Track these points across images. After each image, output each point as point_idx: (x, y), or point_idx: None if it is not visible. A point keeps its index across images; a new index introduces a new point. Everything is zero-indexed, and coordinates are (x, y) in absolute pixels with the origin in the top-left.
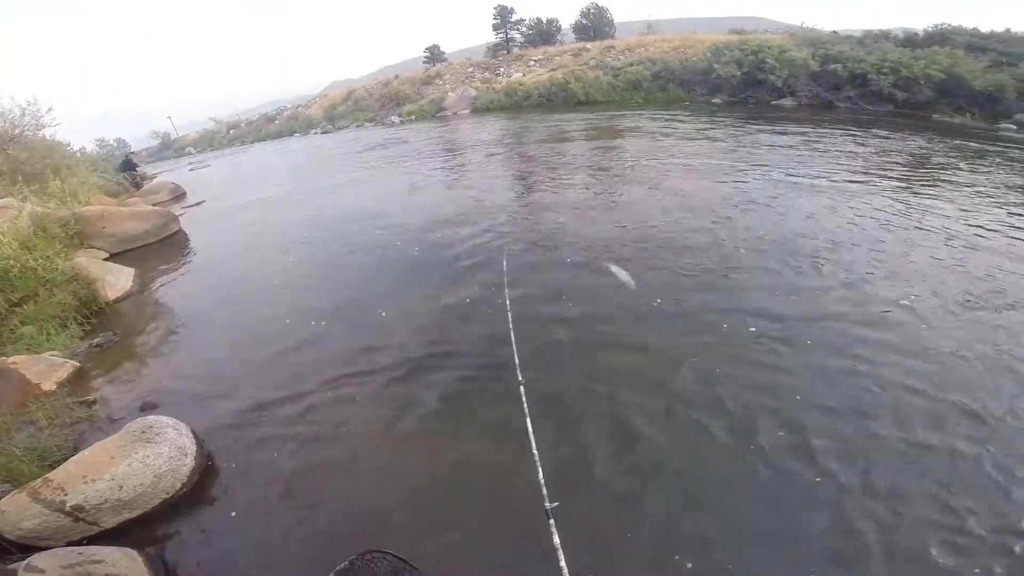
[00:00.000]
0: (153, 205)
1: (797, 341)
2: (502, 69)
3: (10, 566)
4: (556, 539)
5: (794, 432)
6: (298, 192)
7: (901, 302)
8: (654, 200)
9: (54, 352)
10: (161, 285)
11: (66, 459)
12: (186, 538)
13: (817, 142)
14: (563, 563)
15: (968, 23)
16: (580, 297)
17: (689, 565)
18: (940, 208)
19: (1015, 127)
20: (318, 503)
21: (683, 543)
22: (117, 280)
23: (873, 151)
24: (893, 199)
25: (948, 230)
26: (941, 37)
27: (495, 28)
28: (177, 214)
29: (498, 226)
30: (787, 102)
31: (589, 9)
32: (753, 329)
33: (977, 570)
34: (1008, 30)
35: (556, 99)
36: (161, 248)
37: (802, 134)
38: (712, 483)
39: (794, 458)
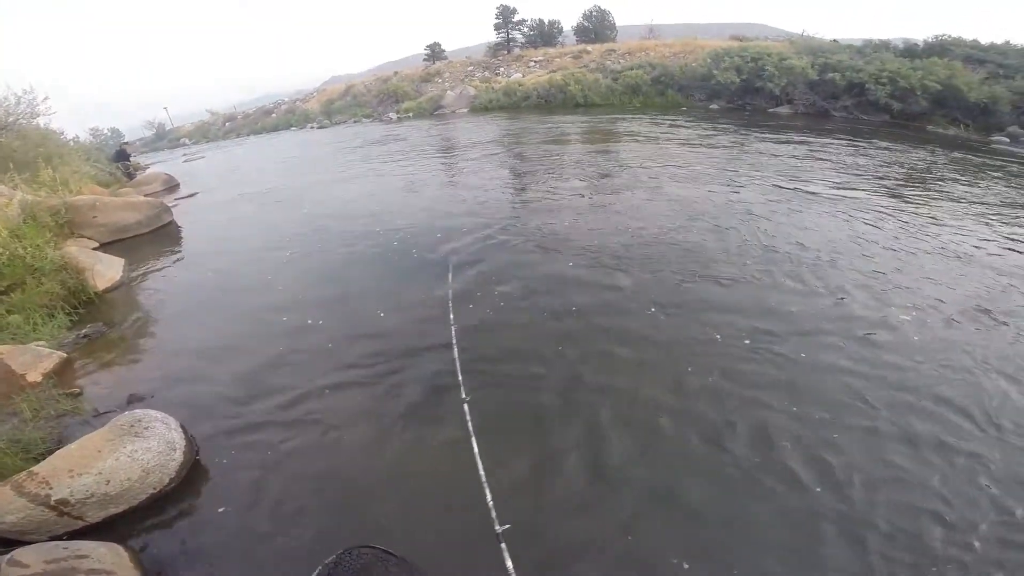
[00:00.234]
0: (146, 196)
1: (790, 354)
2: (502, 69)
3: None
4: (509, 563)
5: (776, 449)
6: (294, 187)
7: (897, 315)
8: (652, 206)
9: (40, 342)
10: (152, 276)
11: (51, 452)
12: (173, 533)
13: (814, 151)
14: None
15: (970, 34)
16: (573, 305)
17: None
18: (936, 221)
19: (1008, 140)
20: (307, 500)
21: (646, 560)
22: (107, 270)
23: (870, 162)
24: (889, 210)
25: (944, 243)
26: (940, 48)
27: (497, 28)
28: (170, 205)
29: (497, 229)
30: (784, 110)
31: (591, 11)
32: (747, 341)
33: None
34: (1008, 42)
35: (555, 101)
36: (153, 239)
37: (800, 143)
38: (683, 501)
39: (772, 477)
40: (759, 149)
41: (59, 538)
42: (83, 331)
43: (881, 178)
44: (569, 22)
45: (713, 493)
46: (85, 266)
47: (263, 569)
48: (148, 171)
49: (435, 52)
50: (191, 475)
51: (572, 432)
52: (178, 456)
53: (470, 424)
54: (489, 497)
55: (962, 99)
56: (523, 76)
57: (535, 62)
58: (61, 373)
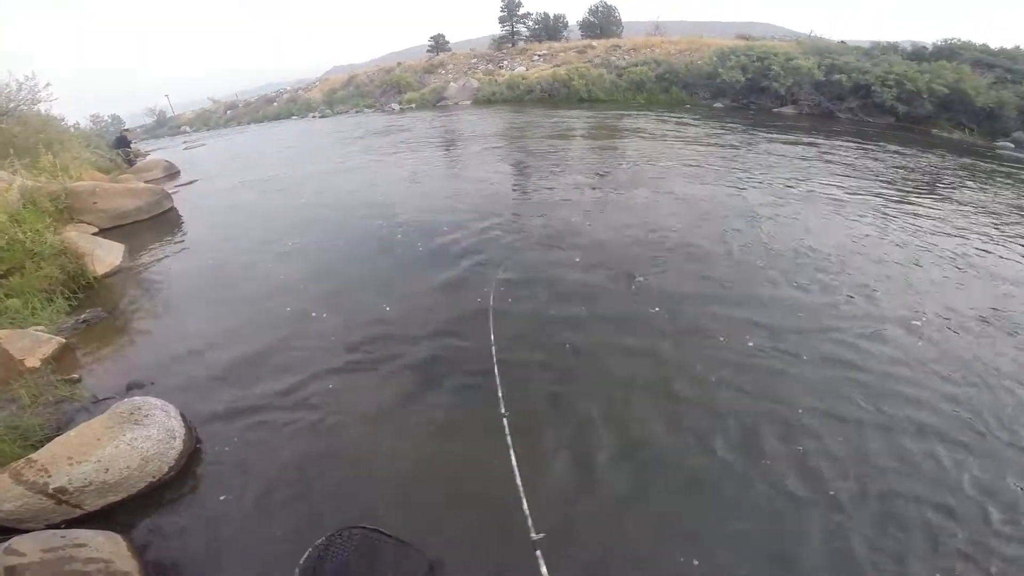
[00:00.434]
0: (146, 182)
1: (794, 355)
2: (506, 62)
3: None
4: (544, 570)
5: (795, 454)
6: (296, 176)
7: (905, 320)
8: (658, 204)
9: (39, 327)
10: (152, 262)
11: (50, 439)
12: (172, 522)
13: (820, 152)
14: None
15: (978, 37)
16: (577, 300)
17: None
18: (943, 226)
19: (1012, 146)
20: (307, 487)
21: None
22: (107, 255)
23: (877, 164)
24: (896, 214)
25: (952, 248)
26: (949, 51)
27: (501, 21)
28: (170, 192)
29: (500, 223)
30: (788, 110)
31: (597, 7)
32: (751, 344)
33: None
34: (1018, 47)
35: (558, 95)
36: (153, 225)
37: (805, 144)
38: (709, 504)
39: (799, 481)
40: (765, 149)
41: (56, 526)
42: (82, 316)
43: (889, 181)
44: (575, 17)
45: (743, 493)
46: (85, 251)
47: (263, 557)
48: (148, 158)
49: (439, 44)
50: (191, 463)
51: (565, 432)
52: (178, 444)
53: (509, 438)
54: (523, 495)
55: (969, 103)
56: (527, 70)
57: (539, 56)
58: (60, 359)
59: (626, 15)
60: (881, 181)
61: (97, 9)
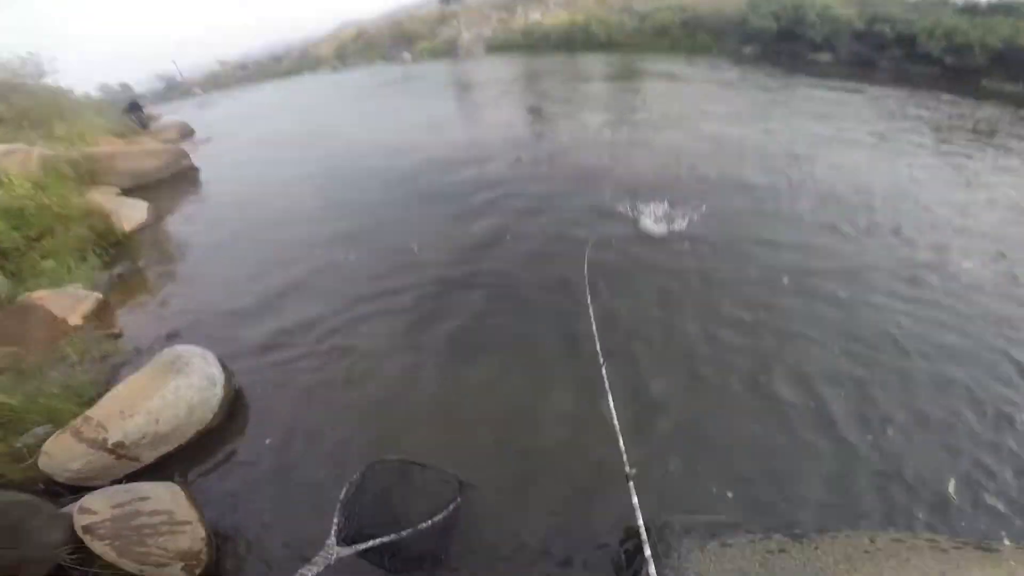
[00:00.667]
0: (162, 143)
1: (837, 293)
2: (520, 9)
3: (63, 510)
4: (635, 499)
5: (831, 399)
6: (312, 128)
7: (954, 261)
8: (690, 145)
9: (76, 285)
10: (177, 216)
11: (100, 395)
12: (223, 468)
13: (862, 97)
14: (640, 520)
15: None
16: (611, 238)
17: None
18: (994, 174)
19: None
20: (346, 428)
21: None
22: (132, 213)
23: (923, 112)
24: (943, 161)
25: (1003, 197)
26: (1006, 8)
27: None
28: (187, 151)
29: (527, 162)
30: (824, 56)
31: None
32: (786, 280)
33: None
34: None
35: (576, 42)
36: (174, 183)
37: (845, 90)
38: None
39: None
40: (802, 93)
41: (119, 481)
42: (116, 271)
43: (937, 129)
44: None
45: (762, 431)
46: (110, 210)
47: (310, 493)
48: (162, 120)
49: None
50: (233, 409)
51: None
52: (219, 391)
53: (607, 383)
54: (622, 443)
55: None
56: (543, 17)
57: (556, 3)
58: (99, 314)
59: None
60: (929, 128)
61: None
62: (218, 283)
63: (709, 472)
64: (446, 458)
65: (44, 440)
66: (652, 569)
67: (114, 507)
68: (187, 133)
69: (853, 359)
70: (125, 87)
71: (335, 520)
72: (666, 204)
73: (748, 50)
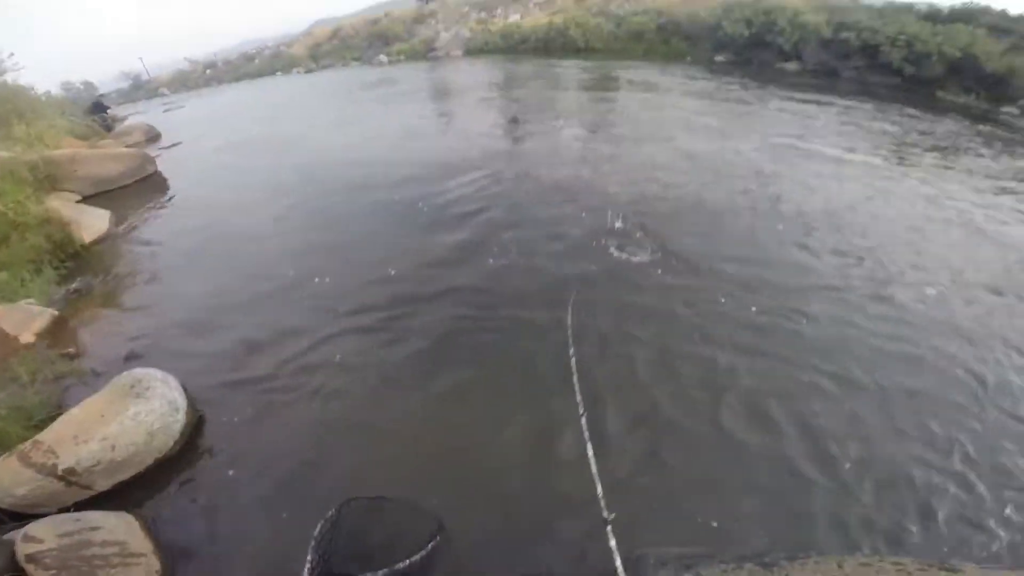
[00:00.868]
0: (127, 147)
1: (799, 318)
2: (500, 10)
3: (5, 536)
4: (612, 542)
5: (798, 417)
6: (284, 134)
7: (913, 286)
8: (661, 159)
9: (30, 300)
10: (140, 227)
11: (53, 418)
12: (182, 498)
13: (825, 111)
14: (619, 563)
15: (999, 4)
16: (581, 257)
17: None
18: (949, 190)
19: (1018, 112)
20: (314, 459)
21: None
22: (93, 222)
23: (882, 125)
24: (903, 176)
25: (959, 214)
26: (967, 15)
27: None
28: (153, 155)
29: (502, 178)
30: (792, 66)
31: None
32: (754, 308)
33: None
34: None
35: (554, 45)
36: (138, 190)
37: (810, 102)
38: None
39: (804, 450)
40: (770, 105)
41: (68, 509)
42: (73, 286)
43: (896, 143)
44: None
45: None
46: (70, 219)
47: (276, 529)
48: (127, 122)
49: None
50: (195, 436)
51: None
52: (181, 417)
53: (586, 434)
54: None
55: (979, 68)
56: (522, 18)
57: (535, 4)
58: (54, 332)
59: None
60: (888, 142)
61: None
62: (182, 301)
63: (689, 505)
64: (421, 493)
65: None
66: None
67: (61, 536)
68: (153, 136)
69: (822, 379)
70: (89, 85)
71: (308, 558)
72: (639, 225)
73: (720, 58)
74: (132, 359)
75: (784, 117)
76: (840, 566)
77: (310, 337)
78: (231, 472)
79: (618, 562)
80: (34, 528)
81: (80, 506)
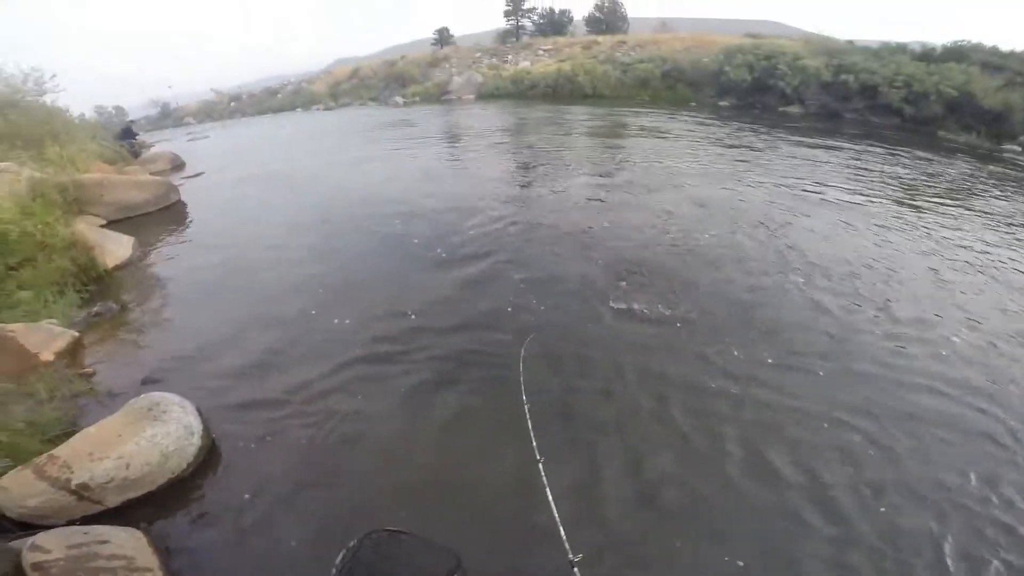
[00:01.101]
0: (152, 174)
1: (812, 370)
2: (510, 56)
3: (12, 544)
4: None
5: (809, 473)
6: (303, 170)
7: (929, 334)
8: (669, 206)
9: (52, 320)
10: (161, 255)
11: (68, 434)
12: (193, 519)
13: (830, 154)
14: None
15: (990, 41)
16: (594, 305)
17: None
18: (959, 234)
19: (1020, 149)
20: (327, 487)
21: None
22: (116, 248)
23: (888, 168)
24: (912, 221)
25: (972, 258)
26: (959, 53)
27: (507, 15)
28: (177, 185)
29: (514, 222)
30: (794, 109)
31: (603, 3)
32: (770, 360)
33: None
34: None
35: (562, 91)
36: (161, 218)
37: (815, 146)
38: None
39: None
40: (776, 150)
41: (75, 522)
42: (94, 309)
43: (903, 186)
44: (580, 12)
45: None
46: (94, 243)
47: (286, 557)
48: (154, 150)
49: (443, 37)
50: (208, 460)
51: (583, 443)
52: (196, 441)
53: (549, 492)
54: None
55: (976, 106)
56: (531, 65)
57: (544, 51)
58: (74, 352)
59: (632, 11)
60: (899, 186)
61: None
62: (200, 329)
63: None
64: (432, 523)
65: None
66: None
67: (69, 547)
68: (177, 165)
69: (840, 430)
70: (120, 111)
71: None
72: (650, 271)
73: (724, 102)
74: (149, 383)
75: (794, 163)
76: None
77: (323, 367)
78: (245, 496)
79: None
80: (42, 538)
81: (88, 520)
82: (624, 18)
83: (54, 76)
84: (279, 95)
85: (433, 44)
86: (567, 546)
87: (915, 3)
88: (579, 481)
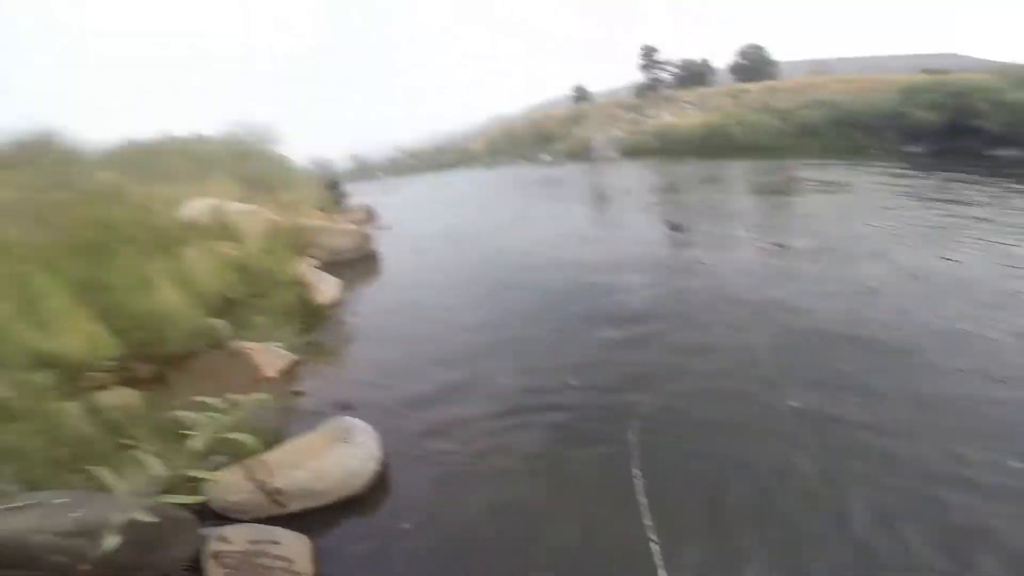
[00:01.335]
0: (353, 224)
1: None
2: (651, 111)
3: (202, 531)
4: None
5: None
6: (469, 224)
7: None
8: (877, 279)
9: (278, 344)
10: (359, 296)
11: (276, 443)
12: (355, 536)
13: None
14: None
15: None
16: (764, 406)
17: None
18: None
19: None
20: (481, 531)
21: None
22: (327, 287)
23: None
24: None
25: None
26: None
27: (642, 68)
28: (371, 234)
29: (674, 288)
30: (1009, 153)
31: (746, 49)
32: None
33: None
34: None
35: (714, 144)
36: (359, 264)
37: None
38: None
39: None
40: (999, 204)
41: (261, 521)
42: (308, 338)
43: None
44: (718, 60)
45: None
46: (312, 282)
47: None
48: (353, 201)
49: (581, 94)
50: (378, 484)
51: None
52: (373, 466)
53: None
54: None
55: None
56: (676, 118)
57: (687, 103)
58: (290, 373)
59: (780, 55)
60: None
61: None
62: (387, 365)
63: None
64: None
65: (215, 469)
66: None
67: (249, 542)
68: (372, 217)
69: None
70: (328, 163)
71: None
72: (843, 366)
73: (917, 149)
74: (344, 407)
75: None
76: None
77: (485, 410)
78: (404, 526)
79: None
80: (230, 531)
81: (268, 520)
82: (772, 63)
83: (286, 129)
84: (445, 154)
85: (573, 102)
86: None
87: None
88: None
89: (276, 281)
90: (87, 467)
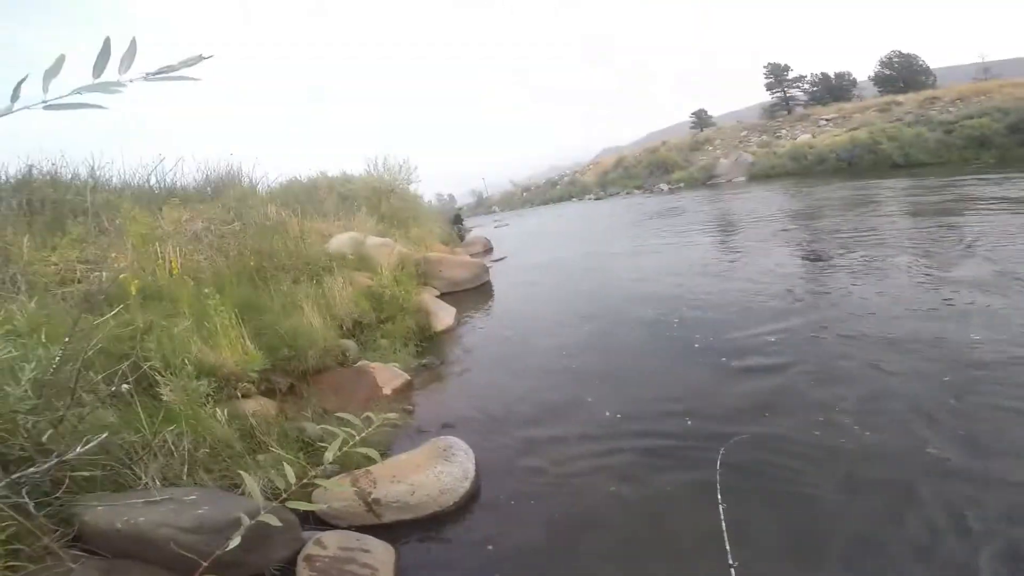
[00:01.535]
0: (471, 256)
1: None
2: (783, 131)
3: (304, 535)
4: None
5: None
6: (581, 258)
7: None
8: None
9: (396, 365)
10: (472, 325)
11: (384, 456)
12: (439, 551)
13: None
14: None
15: None
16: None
17: None
18: None
19: None
20: (566, 562)
21: None
22: (444, 316)
23: None
24: None
25: None
26: None
27: (769, 88)
28: (487, 266)
29: (815, 326)
30: None
31: (892, 57)
32: None
33: None
34: None
35: (860, 163)
36: (474, 295)
37: None
38: None
39: None
40: None
41: (354, 528)
42: (423, 361)
43: None
44: (861, 73)
45: None
46: (431, 310)
47: None
48: (472, 234)
49: (702, 119)
50: (470, 503)
51: None
52: (467, 485)
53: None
54: None
55: None
56: (813, 136)
57: (826, 120)
58: (404, 392)
59: (934, 61)
60: None
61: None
62: (491, 392)
63: None
64: None
65: (327, 476)
66: None
67: (341, 549)
68: (488, 249)
69: None
70: (451, 198)
71: None
72: None
73: None
74: (447, 427)
75: None
76: None
77: (586, 448)
78: (489, 547)
79: None
80: (327, 536)
81: (361, 529)
82: (926, 71)
83: (416, 168)
84: (557, 186)
85: (692, 127)
86: None
87: None
88: None
89: (401, 308)
90: (221, 468)
